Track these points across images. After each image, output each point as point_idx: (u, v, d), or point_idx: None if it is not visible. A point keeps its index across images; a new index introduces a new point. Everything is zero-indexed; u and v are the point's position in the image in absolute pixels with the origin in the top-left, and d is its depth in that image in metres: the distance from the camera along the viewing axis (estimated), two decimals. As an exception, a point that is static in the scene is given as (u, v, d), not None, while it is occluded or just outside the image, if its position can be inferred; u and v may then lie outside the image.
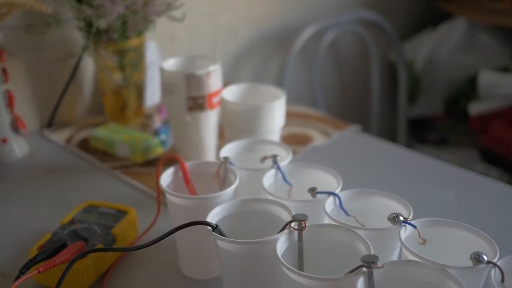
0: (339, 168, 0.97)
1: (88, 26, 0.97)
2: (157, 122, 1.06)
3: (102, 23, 0.94)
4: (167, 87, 0.89)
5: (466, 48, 1.81)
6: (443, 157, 1.83)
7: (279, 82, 1.56)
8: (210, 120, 0.91)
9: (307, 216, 0.57)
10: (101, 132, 1.02)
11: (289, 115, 1.15)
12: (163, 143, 1.00)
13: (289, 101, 1.57)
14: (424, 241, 0.58)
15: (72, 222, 0.74)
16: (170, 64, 0.93)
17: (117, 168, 0.96)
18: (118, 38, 0.96)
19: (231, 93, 0.88)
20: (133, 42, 1.02)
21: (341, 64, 1.77)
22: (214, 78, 0.89)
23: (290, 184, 0.70)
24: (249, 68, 1.48)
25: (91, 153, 1.01)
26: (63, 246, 0.67)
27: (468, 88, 1.81)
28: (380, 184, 0.92)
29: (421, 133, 1.92)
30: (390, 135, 1.93)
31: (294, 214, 0.59)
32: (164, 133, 1.01)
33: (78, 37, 1.05)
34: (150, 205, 0.84)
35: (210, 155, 0.94)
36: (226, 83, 1.22)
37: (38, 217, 0.83)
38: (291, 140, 1.06)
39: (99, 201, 0.80)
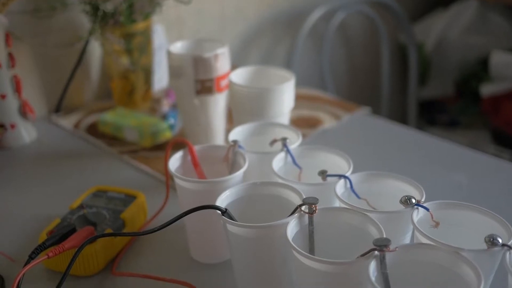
0: (349, 151, 0.96)
1: (95, 10, 0.96)
2: (165, 106, 1.05)
3: (108, 6, 0.93)
4: (175, 70, 0.88)
5: (477, 29, 1.78)
6: (454, 139, 1.81)
7: (288, 64, 1.54)
8: (219, 103, 0.90)
9: (317, 199, 0.56)
10: (109, 117, 1.01)
11: (298, 98, 1.13)
12: (171, 127, 0.99)
13: (298, 84, 1.56)
14: (437, 224, 0.57)
15: (81, 207, 0.73)
16: (178, 47, 0.92)
17: (125, 153, 0.95)
18: (124, 21, 0.95)
19: (239, 76, 0.87)
20: (140, 25, 1.01)
21: (351, 46, 1.75)
22: (222, 60, 0.87)
23: (300, 167, 0.69)
24: (258, 51, 1.46)
25: (99, 138, 1.00)
26: (72, 231, 0.67)
27: (480, 69, 1.79)
28: (391, 167, 0.91)
29: (432, 115, 1.90)
30: (401, 118, 1.91)
31: (304, 197, 0.58)
32: (172, 117, 1.00)
33: (84, 21, 1.04)
34: (159, 189, 0.84)
35: (219, 139, 0.94)
36: (235, 66, 1.21)
37: (47, 202, 0.83)
38: (301, 123, 1.05)
39: (108, 186, 0.79)
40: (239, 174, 0.65)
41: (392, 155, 0.96)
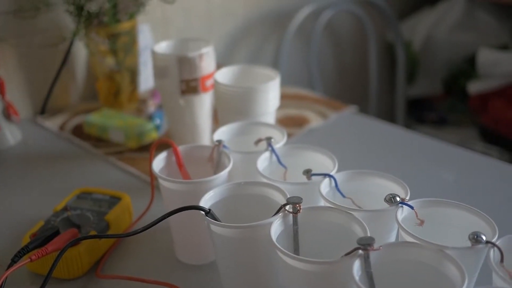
0: (336, 150, 0.95)
1: (79, 10, 0.95)
2: (151, 107, 1.04)
3: (92, 6, 0.92)
4: (159, 71, 0.87)
5: (465, 27, 1.79)
6: (442, 137, 1.81)
7: (275, 63, 1.54)
8: (204, 103, 0.89)
9: (301, 198, 0.56)
10: (94, 118, 1.00)
11: (285, 97, 1.14)
12: (157, 127, 0.99)
13: (286, 82, 1.56)
14: (421, 222, 0.57)
15: (65, 209, 0.73)
16: (163, 47, 0.91)
17: (111, 154, 0.94)
18: (108, 21, 0.94)
19: (224, 75, 0.86)
20: (125, 25, 1.00)
21: (338, 45, 1.75)
22: (207, 60, 0.87)
23: (285, 167, 0.69)
24: (245, 50, 1.46)
25: (85, 139, 1.00)
26: (56, 233, 0.66)
27: (467, 67, 1.79)
28: (378, 165, 0.91)
29: (420, 114, 1.91)
30: (389, 116, 1.91)
31: (288, 197, 0.58)
32: (158, 117, 0.99)
33: (69, 21, 1.03)
34: (144, 191, 0.83)
35: (204, 138, 0.93)
36: (221, 65, 1.20)
37: (31, 204, 0.82)
38: (287, 122, 1.05)
39: (93, 187, 0.79)
40: (223, 174, 0.65)
41: (379, 153, 0.96)
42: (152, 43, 1.18)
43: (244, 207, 0.62)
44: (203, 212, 0.56)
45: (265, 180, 0.63)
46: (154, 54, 0.87)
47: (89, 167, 0.92)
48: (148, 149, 0.95)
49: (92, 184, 0.87)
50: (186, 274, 0.68)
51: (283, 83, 1.57)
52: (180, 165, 0.69)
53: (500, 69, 1.62)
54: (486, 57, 1.64)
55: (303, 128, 1.02)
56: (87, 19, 0.96)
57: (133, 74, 1.07)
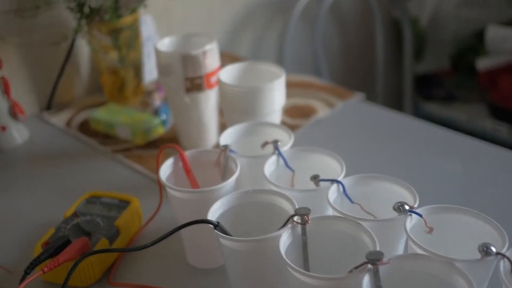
0: (343, 142, 0.96)
1: (80, 6, 0.94)
2: (157, 100, 1.04)
3: (93, 2, 0.91)
4: (163, 69, 0.87)
5: (472, 1, 1.76)
6: (451, 114, 1.81)
7: (280, 49, 1.53)
8: (209, 99, 0.89)
9: (309, 210, 0.56)
10: (100, 114, 1.00)
11: (292, 85, 1.13)
12: (163, 122, 0.98)
13: (291, 67, 1.55)
14: (430, 230, 0.57)
15: (75, 215, 0.73)
16: (166, 43, 0.90)
17: (118, 152, 0.95)
18: (110, 18, 0.93)
19: (228, 74, 0.85)
20: (126, 20, 0.99)
21: (344, 25, 1.73)
22: (210, 57, 0.86)
23: (292, 170, 0.69)
24: (249, 37, 1.44)
25: (92, 135, 1.00)
26: (67, 242, 0.67)
27: (475, 43, 1.77)
28: (385, 156, 0.91)
29: (428, 90, 1.89)
30: (397, 94, 1.90)
31: (296, 207, 0.58)
32: (164, 112, 0.99)
33: (70, 17, 1.02)
34: (153, 189, 0.83)
35: (211, 134, 0.93)
36: (225, 54, 1.19)
37: (41, 208, 0.82)
38: (294, 112, 1.04)
39: (101, 191, 0.79)
40: (231, 181, 0.65)
41: (387, 144, 0.95)
42: (155, 33, 1.17)
43: (253, 215, 0.63)
44: (212, 226, 0.57)
45: (273, 188, 0.63)
46: (157, 52, 0.87)
47: (97, 165, 0.92)
48: (155, 145, 0.95)
49: (100, 183, 0.87)
50: (198, 278, 0.68)
51: (289, 69, 1.56)
52: (187, 171, 0.69)
53: (509, 45, 1.59)
54: (495, 33, 1.61)
55: (310, 119, 1.02)
56: (88, 16, 0.94)
57: (137, 68, 1.06)
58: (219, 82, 0.83)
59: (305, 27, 1.57)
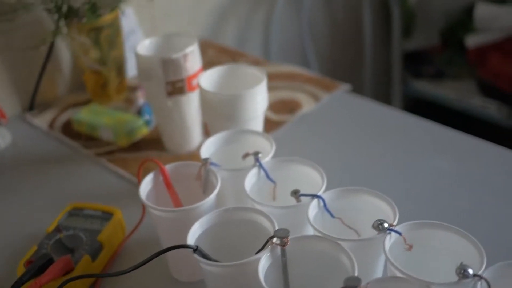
0: (328, 139, 0.96)
1: (57, 8, 0.92)
2: (140, 99, 1.03)
3: (74, 4, 0.89)
4: (144, 72, 0.85)
5: (462, -24, 1.73)
6: (440, 91, 1.79)
7: (266, 34, 1.50)
8: (192, 101, 0.88)
9: (288, 231, 0.56)
10: (83, 116, 0.99)
11: (277, 77, 1.12)
12: (147, 123, 0.97)
13: (279, 52, 1.53)
14: (410, 247, 0.57)
15: (57, 229, 0.73)
16: (146, 46, 0.89)
17: (102, 155, 0.94)
18: (88, 20, 0.91)
19: (209, 79, 0.84)
20: (106, 18, 0.97)
21: (330, 3, 1.70)
22: (191, 60, 0.85)
23: (274, 182, 0.68)
24: (234, 23, 1.41)
25: (75, 137, 0.99)
26: (49, 261, 0.67)
27: (465, 18, 1.74)
28: (372, 154, 0.91)
29: (417, 67, 1.87)
30: (386, 71, 1.88)
31: (276, 227, 0.58)
32: (147, 112, 0.98)
33: (49, 20, 0.99)
34: (136, 195, 0.80)
35: (195, 135, 0.92)
36: (211, 44, 1.18)
37: (23, 220, 0.82)
38: (279, 107, 1.03)
39: (84, 200, 0.79)
40: (211, 198, 0.64)
41: (373, 139, 0.94)
42: (137, 26, 1.15)
43: (234, 233, 0.62)
44: (191, 249, 0.57)
45: (256, 205, 0.63)
46: (137, 56, 0.85)
47: (80, 170, 0.92)
48: (140, 147, 0.95)
49: (83, 190, 0.87)
50: (181, 291, 0.69)
51: (276, 53, 1.54)
52: (168, 186, 0.68)
53: (498, 23, 1.58)
54: (484, 11, 1.59)
55: (295, 114, 1.01)
56: (67, 17, 0.92)
57: (120, 66, 1.05)
58: (200, 89, 0.81)
59: (292, 11, 1.55)
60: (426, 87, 1.83)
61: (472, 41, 1.67)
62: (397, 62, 1.82)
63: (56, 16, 0.93)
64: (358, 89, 1.85)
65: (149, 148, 0.94)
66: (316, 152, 0.92)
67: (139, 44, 0.88)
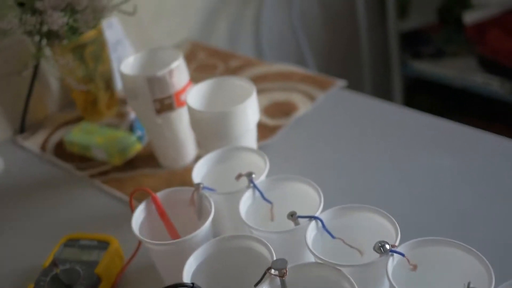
0: (326, 138, 0.93)
1: (37, 30, 0.89)
2: (131, 113, 1.00)
3: (52, 27, 0.86)
4: (130, 92, 0.83)
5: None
6: (441, 70, 1.76)
7: (257, 23, 1.47)
8: (183, 116, 0.85)
9: (286, 262, 0.54)
10: (74, 136, 0.97)
11: (270, 77, 1.09)
12: (140, 139, 0.95)
13: (271, 45, 1.49)
14: (414, 267, 0.55)
15: (53, 264, 0.71)
16: (130, 63, 0.86)
17: (96, 176, 0.92)
18: (68, 41, 0.88)
19: (197, 94, 0.81)
20: (89, 35, 0.94)
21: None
22: (178, 74, 0.82)
23: (270, 202, 0.66)
24: (224, 22, 1.38)
25: (68, 158, 0.96)
26: (46, 301, 0.65)
27: (462, -6, 1.70)
28: (371, 156, 0.88)
29: (415, 48, 1.83)
30: (384, 54, 1.85)
31: (274, 257, 0.56)
32: (139, 128, 0.95)
33: (30, 44, 0.97)
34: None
35: (188, 149, 0.90)
36: (201, 46, 1.15)
37: (18, 254, 0.80)
38: (274, 110, 1.01)
39: (80, 229, 0.77)
40: (206, 226, 0.62)
41: (371, 139, 0.92)
42: (123, 35, 1.12)
43: (231, 262, 0.61)
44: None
45: (251, 230, 0.61)
46: (122, 75, 0.83)
47: (75, 194, 0.90)
48: (134, 165, 0.92)
49: (79, 216, 0.85)
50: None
51: (268, 48, 1.51)
52: (162, 214, 0.66)
53: (495, -2, 1.53)
54: (479, -13, 1.55)
55: (290, 117, 0.98)
56: (48, 38, 0.90)
57: (108, 80, 1.02)
58: (188, 108, 0.78)
59: (282, 1, 1.51)
60: (426, 67, 1.79)
61: (470, 17, 1.62)
62: (395, 44, 1.78)
63: (37, 37, 0.91)
64: (356, 76, 1.82)
65: (144, 165, 0.92)
66: (314, 157, 0.89)
67: (123, 62, 0.85)
